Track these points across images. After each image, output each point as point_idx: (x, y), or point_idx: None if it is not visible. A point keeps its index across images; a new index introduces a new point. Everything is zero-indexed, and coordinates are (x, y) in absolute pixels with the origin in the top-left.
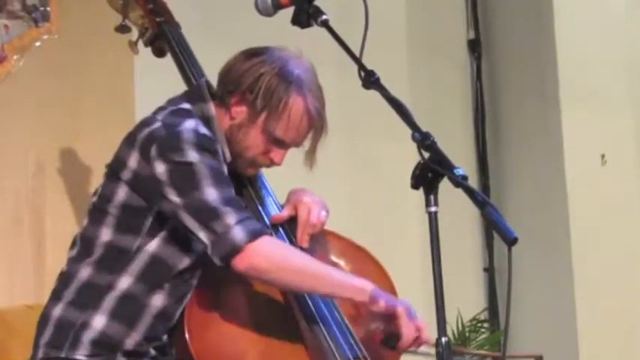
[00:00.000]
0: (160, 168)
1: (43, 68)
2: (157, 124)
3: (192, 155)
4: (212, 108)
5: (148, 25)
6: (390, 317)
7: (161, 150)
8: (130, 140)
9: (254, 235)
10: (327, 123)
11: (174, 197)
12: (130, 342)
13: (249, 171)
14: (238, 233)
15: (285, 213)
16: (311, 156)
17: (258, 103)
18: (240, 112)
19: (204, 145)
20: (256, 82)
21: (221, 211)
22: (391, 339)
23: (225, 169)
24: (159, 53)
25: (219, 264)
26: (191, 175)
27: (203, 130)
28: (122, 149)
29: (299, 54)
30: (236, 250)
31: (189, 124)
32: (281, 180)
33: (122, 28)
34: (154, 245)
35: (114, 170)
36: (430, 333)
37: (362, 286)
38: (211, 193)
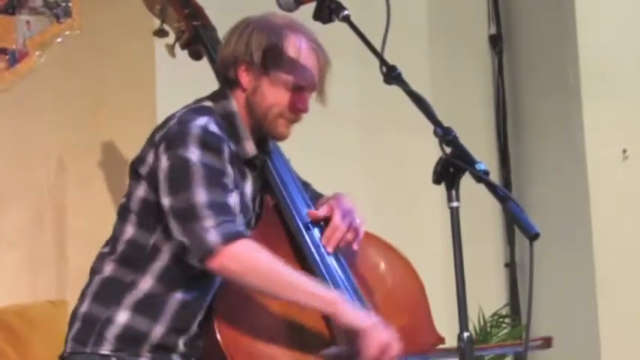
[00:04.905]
0: (164, 163)
1: (64, 64)
2: (173, 121)
3: (194, 152)
4: (233, 104)
5: (184, 29)
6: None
7: (167, 145)
8: (150, 138)
9: (228, 238)
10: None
11: (165, 197)
12: (156, 334)
13: (282, 131)
14: (213, 236)
15: (322, 213)
16: (322, 91)
17: (259, 61)
18: (248, 80)
19: (209, 142)
20: (248, 45)
21: (202, 215)
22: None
23: (228, 168)
24: (195, 56)
25: (197, 266)
26: (186, 173)
27: (213, 127)
28: (144, 147)
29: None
30: (209, 252)
31: (201, 121)
32: (301, 177)
33: (160, 32)
34: (173, 245)
35: (136, 168)
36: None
37: (331, 299)
38: (200, 195)
